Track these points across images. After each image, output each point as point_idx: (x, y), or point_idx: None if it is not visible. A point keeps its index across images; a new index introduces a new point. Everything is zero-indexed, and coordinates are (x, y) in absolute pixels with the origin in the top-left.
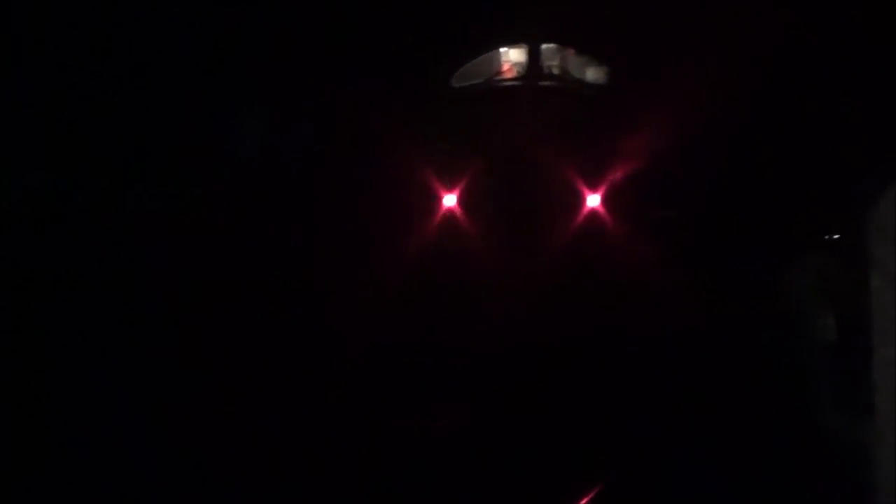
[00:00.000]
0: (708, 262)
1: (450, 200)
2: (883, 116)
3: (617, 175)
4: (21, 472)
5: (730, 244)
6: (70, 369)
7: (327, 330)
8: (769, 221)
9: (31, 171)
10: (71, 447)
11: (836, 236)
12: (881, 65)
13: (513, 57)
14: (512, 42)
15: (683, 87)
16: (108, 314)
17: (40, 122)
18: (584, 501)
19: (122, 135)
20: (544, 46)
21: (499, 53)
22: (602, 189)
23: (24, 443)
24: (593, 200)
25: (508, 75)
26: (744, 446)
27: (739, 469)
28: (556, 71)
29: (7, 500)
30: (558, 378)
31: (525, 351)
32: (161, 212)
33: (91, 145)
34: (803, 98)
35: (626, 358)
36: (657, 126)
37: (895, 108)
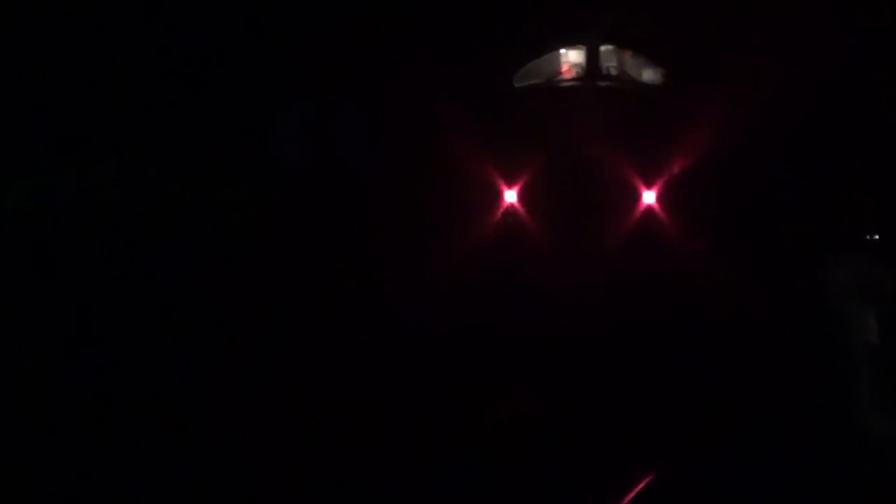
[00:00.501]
0: (754, 261)
1: (511, 196)
2: None
3: (672, 173)
4: (22, 472)
5: (777, 243)
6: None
7: (395, 320)
8: (813, 221)
9: (73, 167)
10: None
11: (876, 236)
12: None
13: (572, 58)
14: (571, 44)
15: (737, 89)
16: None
17: (87, 118)
18: (639, 487)
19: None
20: (602, 48)
21: (559, 55)
22: (657, 186)
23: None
24: (649, 197)
25: (568, 76)
26: (786, 444)
27: (781, 466)
28: (613, 72)
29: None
30: (614, 367)
31: (582, 341)
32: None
33: (137, 143)
34: (852, 99)
35: (670, 351)
36: (711, 126)
37: None
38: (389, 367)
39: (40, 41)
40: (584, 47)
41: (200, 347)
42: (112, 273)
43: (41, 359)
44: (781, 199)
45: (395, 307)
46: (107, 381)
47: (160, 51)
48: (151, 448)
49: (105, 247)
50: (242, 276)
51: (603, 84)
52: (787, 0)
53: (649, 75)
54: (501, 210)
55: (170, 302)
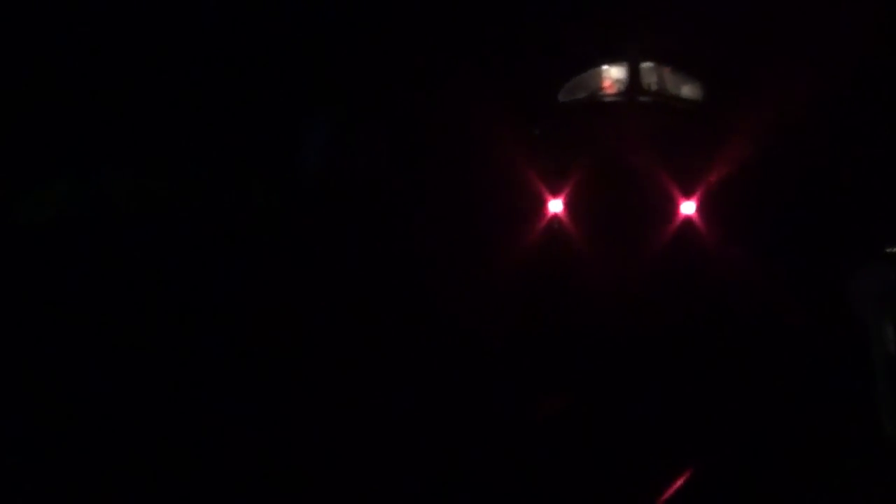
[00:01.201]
0: (786, 271)
1: (556, 206)
2: None
3: (710, 185)
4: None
5: (807, 253)
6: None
7: (444, 324)
8: (840, 232)
9: (90, 171)
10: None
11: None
12: None
13: (614, 74)
14: (613, 61)
15: (772, 103)
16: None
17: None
18: (675, 486)
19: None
20: (643, 65)
21: (601, 71)
22: (696, 197)
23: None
24: (688, 208)
25: (610, 91)
26: (804, 450)
27: (799, 473)
28: (653, 87)
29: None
30: (654, 369)
31: (624, 344)
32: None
33: (162, 149)
34: (887, 113)
35: (710, 355)
36: (747, 139)
37: None
38: (432, 369)
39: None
40: (626, 64)
41: (214, 351)
42: (131, 279)
43: (57, 362)
44: (812, 211)
45: (445, 311)
46: (122, 385)
47: (181, 61)
48: (161, 450)
49: (125, 253)
50: (277, 284)
51: (644, 99)
52: (819, 14)
53: (688, 91)
54: (547, 219)
55: (191, 307)
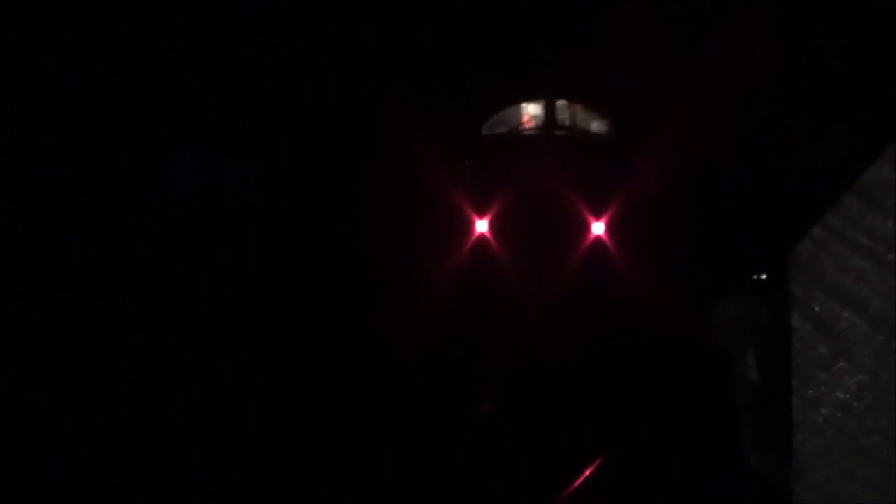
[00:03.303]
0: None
1: (482, 226)
2: (809, 164)
3: (617, 207)
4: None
5: (684, 279)
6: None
7: (379, 337)
8: (711, 258)
9: None
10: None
11: (763, 276)
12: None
13: (532, 111)
14: (531, 99)
15: (666, 140)
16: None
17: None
18: (587, 472)
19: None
20: (558, 102)
21: (520, 107)
22: (605, 219)
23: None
24: (598, 228)
25: (528, 126)
26: (668, 474)
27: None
28: (567, 123)
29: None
30: (568, 375)
31: (542, 353)
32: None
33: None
34: (758, 152)
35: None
36: (646, 170)
37: (820, 159)
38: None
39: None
40: (542, 102)
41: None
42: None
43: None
44: (692, 236)
45: (379, 326)
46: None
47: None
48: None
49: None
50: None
51: (558, 133)
52: (716, 58)
53: (596, 126)
54: (474, 237)
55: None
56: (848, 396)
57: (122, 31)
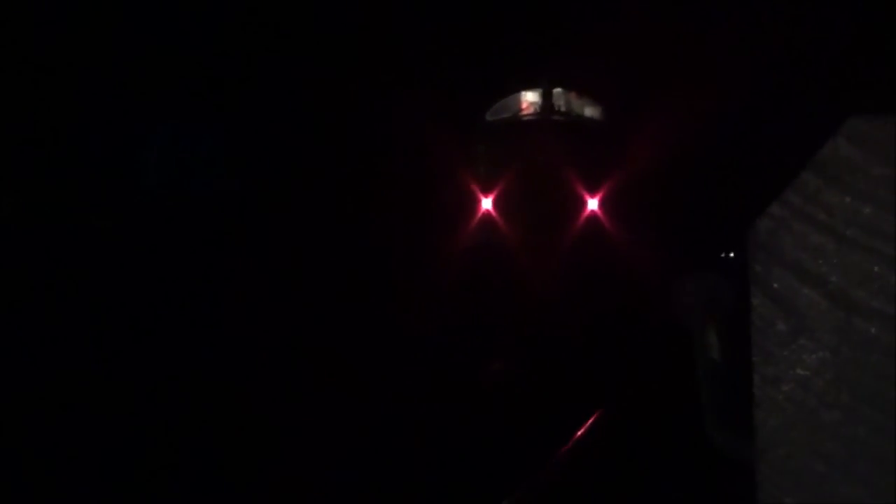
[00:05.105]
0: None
1: (487, 203)
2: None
3: (609, 185)
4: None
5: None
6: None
7: (394, 310)
8: (683, 237)
9: None
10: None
11: (729, 254)
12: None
13: (531, 98)
14: (530, 87)
15: (653, 123)
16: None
17: None
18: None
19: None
20: (555, 90)
21: (520, 95)
22: (598, 196)
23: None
24: (592, 204)
25: (528, 112)
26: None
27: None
28: (563, 109)
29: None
30: (569, 336)
31: (544, 317)
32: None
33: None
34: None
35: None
36: (638, 150)
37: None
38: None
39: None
40: (540, 90)
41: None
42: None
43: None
44: (673, 214)
45: (393, 299)
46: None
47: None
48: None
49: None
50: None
51: (555, 118)
52: (698, 49)
53: (590, 111)
54: (480, 213)
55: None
56: (808, 373)
57: (95, 12)
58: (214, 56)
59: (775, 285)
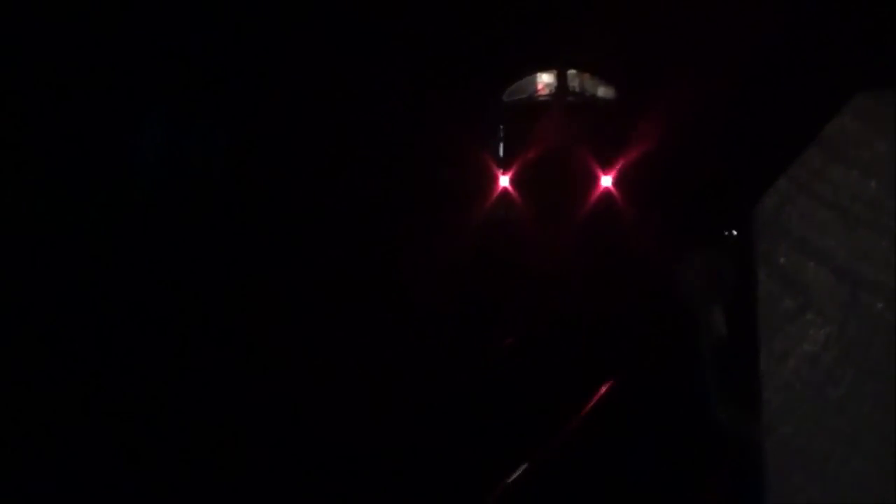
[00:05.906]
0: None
1: (505, 181)
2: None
3: (621, 163)
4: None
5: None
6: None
7: (413, 281)
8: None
9: None
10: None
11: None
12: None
13: (546, 79)
14: (545, 69)
15: (664, 102)
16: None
17: None
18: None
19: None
20: (569, 71)
21: (536, 77)
22: (612, 172)
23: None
24: (606, 181)
25: (543, 93)
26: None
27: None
28: (577, 89)
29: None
30: (582, 310)
31: (559, 290)
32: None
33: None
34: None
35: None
36: (649, 129)
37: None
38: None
39: None
40: (555, 71)
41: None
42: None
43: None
44: (674, 195)
45: (412, 271)
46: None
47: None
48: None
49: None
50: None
51: (569, 98)
52: (707, 29)
53: (602, 92)
54: (499, 190)
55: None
56: (815, 349)
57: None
58: (214, 54)
59: (781, 261)
